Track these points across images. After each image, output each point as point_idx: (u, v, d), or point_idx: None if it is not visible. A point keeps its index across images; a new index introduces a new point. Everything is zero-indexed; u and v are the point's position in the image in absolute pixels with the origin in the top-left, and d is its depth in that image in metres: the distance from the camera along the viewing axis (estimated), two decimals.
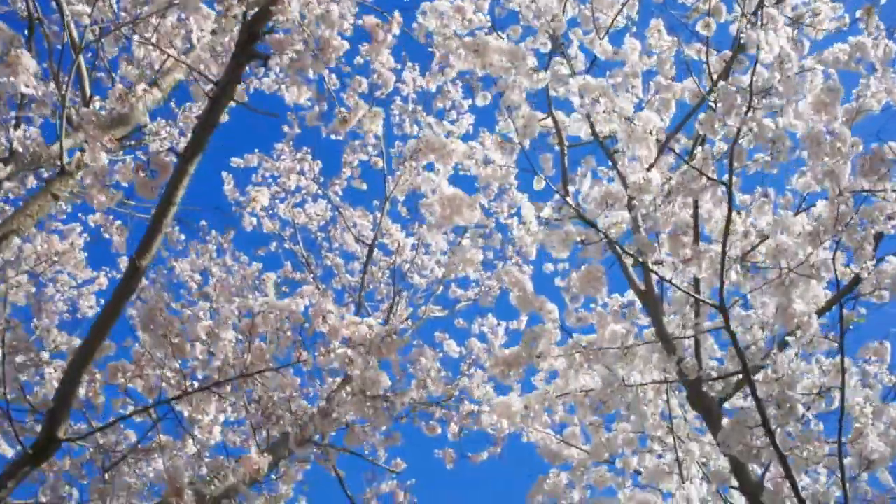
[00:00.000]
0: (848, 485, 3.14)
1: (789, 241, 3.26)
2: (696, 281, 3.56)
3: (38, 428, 3.04)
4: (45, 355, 3.75)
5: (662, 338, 3.85)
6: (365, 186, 7.18)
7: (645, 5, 4.85)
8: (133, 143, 4.34)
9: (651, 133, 3.16)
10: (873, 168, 3.15)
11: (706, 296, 3.35)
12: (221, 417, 4.20)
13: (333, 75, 7.00)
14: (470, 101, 7.27)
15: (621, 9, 4.24)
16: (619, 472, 5.23)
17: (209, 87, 3.00)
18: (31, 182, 5.04)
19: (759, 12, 3.24)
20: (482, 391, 7.18)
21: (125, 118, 3.91)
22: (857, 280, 3.51)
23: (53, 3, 4.21)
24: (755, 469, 4.02)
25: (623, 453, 5.13)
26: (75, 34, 3.78)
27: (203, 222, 7.19)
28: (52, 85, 4.65)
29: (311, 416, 4.90)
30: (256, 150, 6.85)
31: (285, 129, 7.17)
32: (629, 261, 4.66)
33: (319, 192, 7.56)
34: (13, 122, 4.25)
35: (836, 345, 3.23)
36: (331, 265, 8.00)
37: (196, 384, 3.00)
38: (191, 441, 4.10)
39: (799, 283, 3.26)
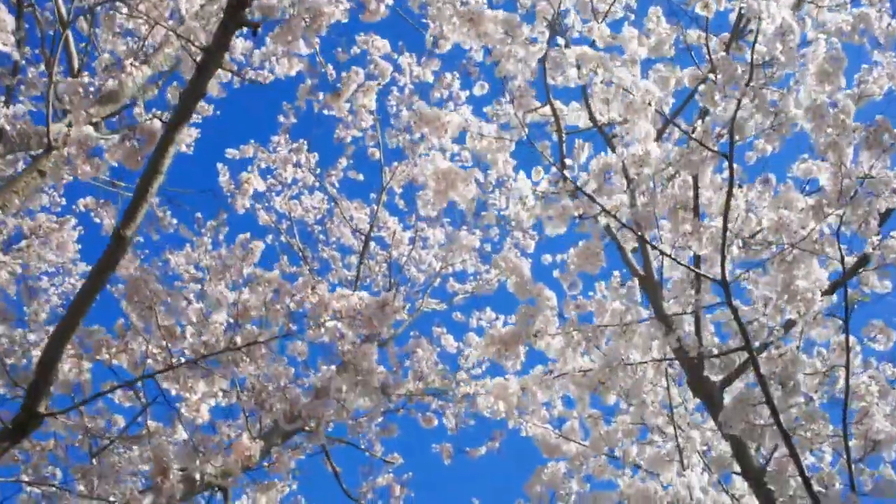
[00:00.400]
0: (853, 466, 3.05)
1: (792, 216, 3.19)
2: (697, 259, 3.47)
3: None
4: (32, 337, 3.66)
5: (663, 321, 3.77)
6: (361, 177, 7.11)
7: None
8: (120, 119, 4.26)
9: (650, 104, 3.08)
10: (878, 140, 3.07)
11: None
12: (212, 402, 4.12)
13: (330, 66, 6.96)
14: (467, 92, 7.22)
15: None
16: (618, 461, 5.16)
17: (197, 55, 2.92)
18: (21, 167, 4.98)
19: None
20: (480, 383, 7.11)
21: (114, 95, 3.84)
22: (864, 259, 3.44)
23: None
24: (757, 454, 3.94)
25: (622, 445, 5.05)
26: (63, 9, 3.71)
27: (198, 214, 7.12)
28: (43, 66, 4.59)
29: (305, 402, 4.82)
30: (252, 141, 6.79)
31: (281, 118, 7.10)
32: (628, 246, 4.59)
33: (316, 183, 7.49)
34: (2, 101, 4.19)
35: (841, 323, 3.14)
36: (327, 258, 7.93)
37: (183, 361, 2.91)
38: (181, 426, 4.02)
39: (802, 259, 3.18)
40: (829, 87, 3.15)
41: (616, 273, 3.47)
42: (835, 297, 3.28)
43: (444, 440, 7.02)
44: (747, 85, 3.09)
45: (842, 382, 3.17)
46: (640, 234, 3.06)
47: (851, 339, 3.20)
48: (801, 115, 3.21)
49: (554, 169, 3.10)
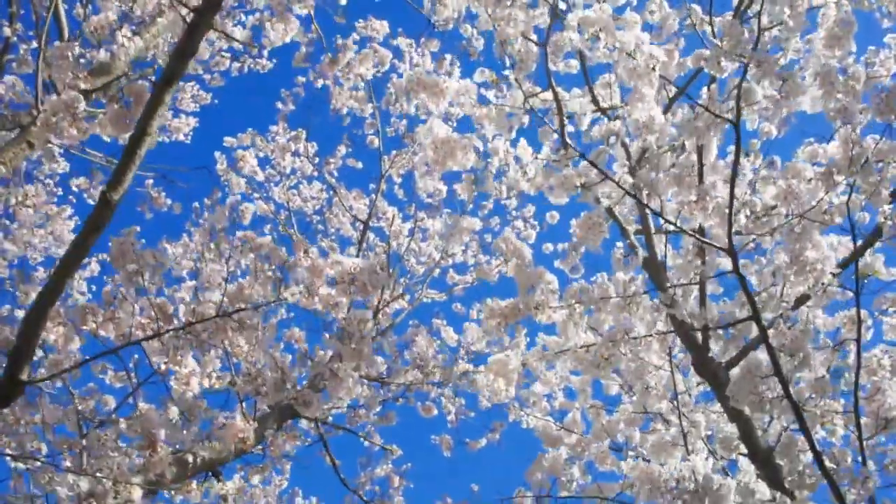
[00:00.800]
0: (864, 444, 2.95)
1: (801, 186, 3.10)
2: (701, 231, 3.37)
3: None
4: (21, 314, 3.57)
5: (667, 305, 3.67)
6: (360, 165, 7.03)
7: None
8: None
9: (654, 69, 2.99)
10: (890, 105, 2.98)
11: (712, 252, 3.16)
12: (206, 383, 4.02)
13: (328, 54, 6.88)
14: (468, 80, 7.13)
15: None
16: (620, 453, 5.06)
17: (188, 15, 2.84)
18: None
19: None
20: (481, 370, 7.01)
21: (106, 67, 3.76)
22: (878, 232, 3.34)
23: None
24: (765, 435, 3.83)
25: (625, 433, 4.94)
26: None
27: (195, 204, 7.03)
28: (35, 43, 4.51)
29: (301, 388, 4.72)
30: (249, 129, 6.70)
31: (279, 105, 7.02)
32: (631, 228, 4.49)
33: (314, 172, 7.41)
34: None
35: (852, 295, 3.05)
36: (326, 249, 7.83)
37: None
38: (175, 409, 3.93)
39: (811, 229, 3.08)
40: (839, 51, 3.06)
41: (619, 244, 3.37)
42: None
43: (443, 432, 6.93)
44: (754, 49, 3.01)
45: (853, 357, 3.07)
46: (644, 203, 2.97)
47: (863, 312, 3.10)
48: (809, 82, 3.12)
49: (556, 136, 3.01)
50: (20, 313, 3.62)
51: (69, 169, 5.60)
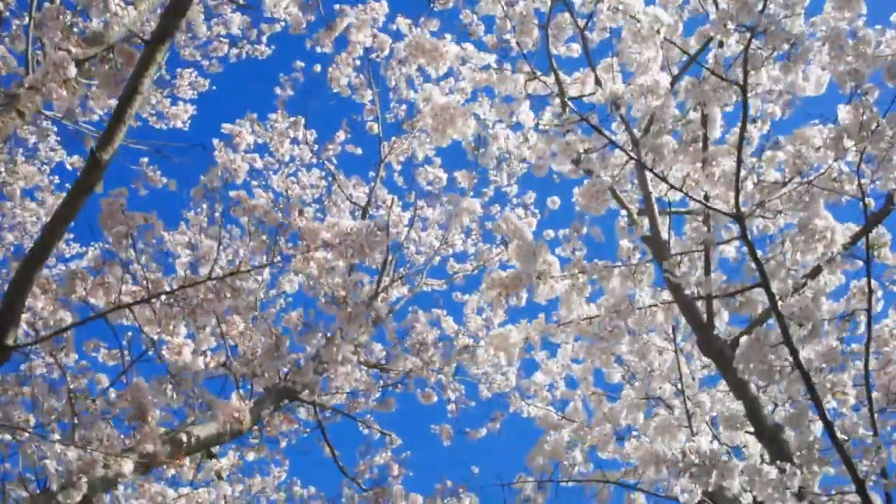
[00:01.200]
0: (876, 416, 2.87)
1: (810, 151, 3.02)
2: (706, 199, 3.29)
3: None
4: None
5: (671, 284, 3.59)
6: (360, 151, 6.95)
7: None
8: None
9: (659, 32, 2.92)
10: None
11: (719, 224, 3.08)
12: (200, 363, 3.95)
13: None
14: (469, 43, 7.03)
15: None
16: (622, 441, 4.98)
17: None
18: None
19: None
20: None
21: (99, 37, 3.67)
22: (890, 200, 3.26)
23: None
24: (772, 414, 3.75)
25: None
26: None
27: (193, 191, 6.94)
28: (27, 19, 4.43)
29: (299, 369, 4.65)
30: (248, 114, 6.61)
31: (277, 90, 6.95)
32: (634, 207, 4.41)
33: (314, 160, 7.32)
34: None
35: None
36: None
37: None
38: (169, 387, 3.85)
39: (820, 196, 3.00)
40: (849, 13, 2.99)
41: (623, 212, 3.28)
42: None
43: (443, 421, 6.84)
44: (761, 12, 2.93)
45: (863, 328, 2.99)
46: (649, 168, 2.89)
47: (873, 283, 3.01)
48: (817, 46, 3.05)
49: (558, 101, 2.93)
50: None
51: (62, 145, 5.49)
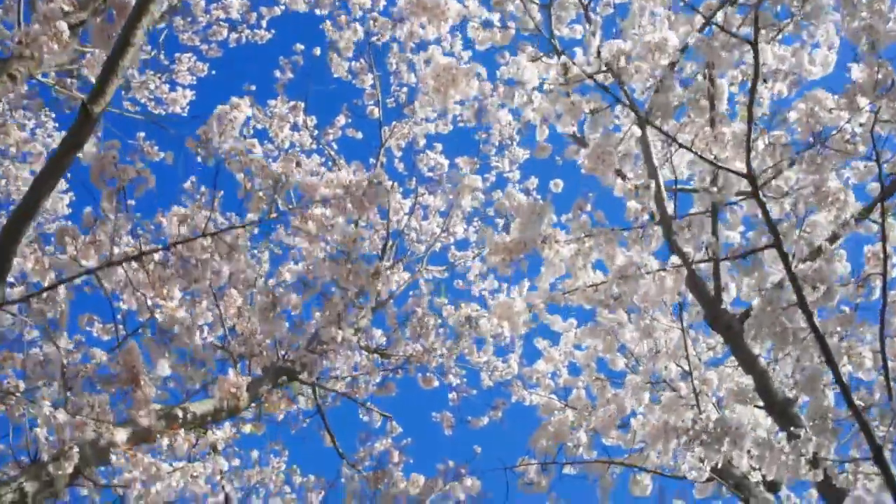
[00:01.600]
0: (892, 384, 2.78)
1: (822, 111, 2.93)
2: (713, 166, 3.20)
3: None
4: None
5: (679, 254, 3.51)
6: (360, 135, 6.86)
7: None
8: None
9: None
10: None
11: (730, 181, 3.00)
12: (197, 338, 3.86)
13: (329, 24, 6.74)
14: (470, 53, 6.98)
15: None
16: (625, 428, 4.88)
17: None
18: None
19: None
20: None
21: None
22: None
23: None
24: (780, 389, 3.66)
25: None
26: None
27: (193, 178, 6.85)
28: None
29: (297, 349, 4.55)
30: (246, 97, 6.52)
31: (277, 73, 6.87)
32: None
33: (314, 146, 7.24)
34: None
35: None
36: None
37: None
38: (165, 363, 3.76)
39: (834, 158, 2.92)
40: None
41: (630, 172, 3.19)
42: None
43: (444, 409, 6.75)
44: None
45: (878, 292, 2.90)
46: (658, 127, 2.80)
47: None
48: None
49: (563, 58, 2.85)
50: None
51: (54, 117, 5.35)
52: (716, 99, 2.99)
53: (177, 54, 7.08)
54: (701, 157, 2.78)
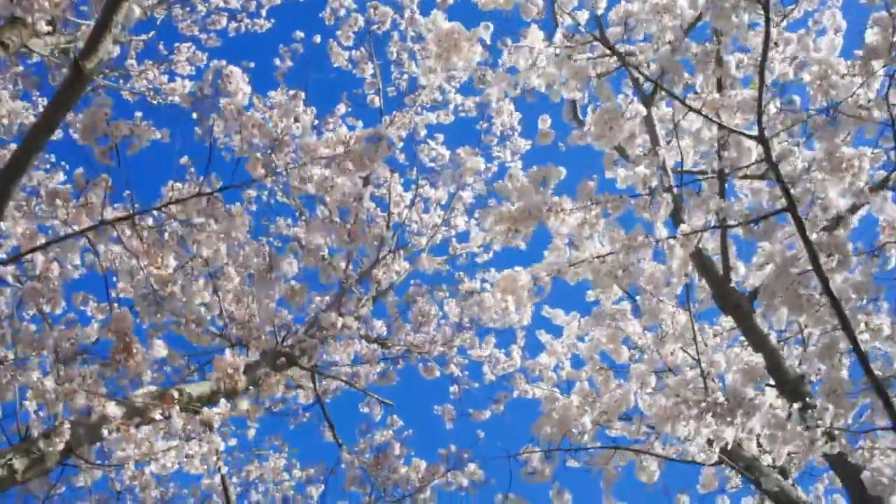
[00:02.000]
0: None
1: (836, 75, 2.85)
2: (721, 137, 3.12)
3: None
4: None
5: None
6: (360, 124, 6.79)
7: None
8: None
9: None
10: None
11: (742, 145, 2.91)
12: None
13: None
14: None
15: None
16: (630, 421, 4.79)
17: None
18: None
19: None
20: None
21: None
22: None
23: None
24: (791, 367, 3.57)
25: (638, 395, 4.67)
26: None
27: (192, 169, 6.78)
28: None
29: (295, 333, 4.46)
30: (244, 63, 6.44)
31: (277, 62, 6.81)
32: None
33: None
34: None
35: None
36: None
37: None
38: (160, 344, 3.67)
39: (847, 123, 2.84)
40: None
41: (639, 140, 3.09)
42: None
43: (446, 402, 6.66)
44: None
45: (894, 262, 2.82)
46: (665, 88, 2.72)
47: None
48: None
49: (569, 20, 2.77)
50: None
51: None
52: (724, 64, 2.91)
53: (176, 44, 7.02)
54: (711, 119, 2.70)
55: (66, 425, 2.90)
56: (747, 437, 3.92)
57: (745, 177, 4.24)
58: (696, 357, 4.14)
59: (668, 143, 4.44)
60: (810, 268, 2.52)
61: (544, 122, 5.25)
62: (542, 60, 2.84)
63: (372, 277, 5.61)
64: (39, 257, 3.17)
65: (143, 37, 6.63)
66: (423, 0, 6.64)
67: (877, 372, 2.53)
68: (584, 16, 4.37)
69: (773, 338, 3.62)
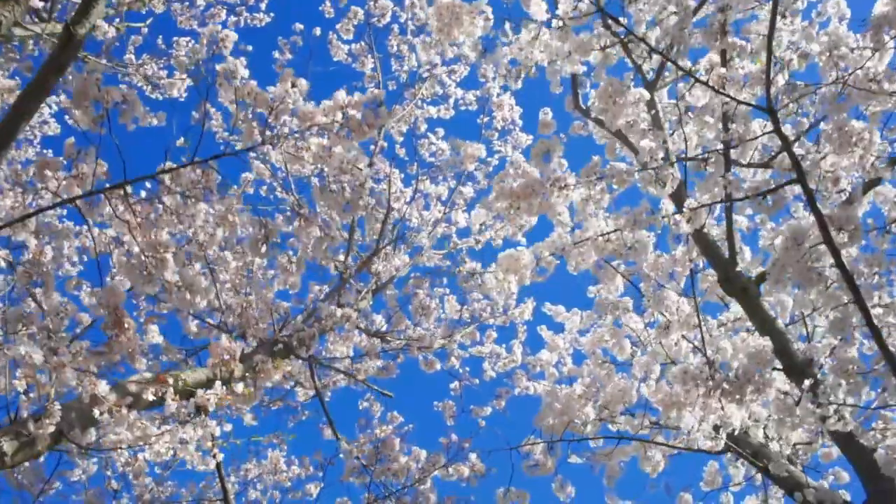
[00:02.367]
0: None
1: (845, 47, 2.79)
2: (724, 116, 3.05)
3: None
4: None
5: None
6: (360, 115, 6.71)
7: None
8: None
9: None
10: None
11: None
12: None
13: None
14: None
15: None
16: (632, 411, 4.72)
17: None
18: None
19: None
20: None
21: None
22: None
23: None
24: (799, 347, 3.50)
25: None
26: None
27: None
28: None
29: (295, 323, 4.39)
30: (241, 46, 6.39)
31: (276, 55, 6.76)
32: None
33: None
34: None
35: None
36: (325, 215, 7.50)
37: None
38: (154, 329, 3.60)
39: (858, 97, 2.78)
40: None
41: (644, 114, 3.01)
42: None
43: (446, 398, 6.58)
44: None
45: None
46: (671, 59, 2.66)
47: None
48: None
49: None
50: None
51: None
52: (729, 31, 2.85)
53: (174, 38, 6.98)
54: (717, 90, 2.63)
55: (57, 406, 2.83)
56: (754, 423, 3.85)
57: (751, 165, 4.19)
58: (702, 343, 4.07)
59: (672, 134, 4.39)
60: (820, 242, 2.45)
61: (545, 114, 5.20)
62: (545, 34, 2.78)
63: (371, 268, 5.54)
64: (32, 241, 3.12)
65: (141, 24, 6.53)
66: None
67: (892, 348, 2.46)
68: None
69: (780, 322, 3.55)
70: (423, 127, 7.02)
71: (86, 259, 4.47)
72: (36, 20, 3.98)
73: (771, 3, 2.72)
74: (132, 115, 2.31)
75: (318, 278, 5.97)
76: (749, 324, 3.75)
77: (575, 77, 4.99)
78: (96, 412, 2.68)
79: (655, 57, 4.54)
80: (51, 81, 2.31)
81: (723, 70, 2.88)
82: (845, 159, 2.72)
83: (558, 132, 4.83)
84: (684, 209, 2.70)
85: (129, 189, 2.46)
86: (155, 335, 3.55)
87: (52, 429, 2.83)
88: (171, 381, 3.44)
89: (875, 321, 2.41)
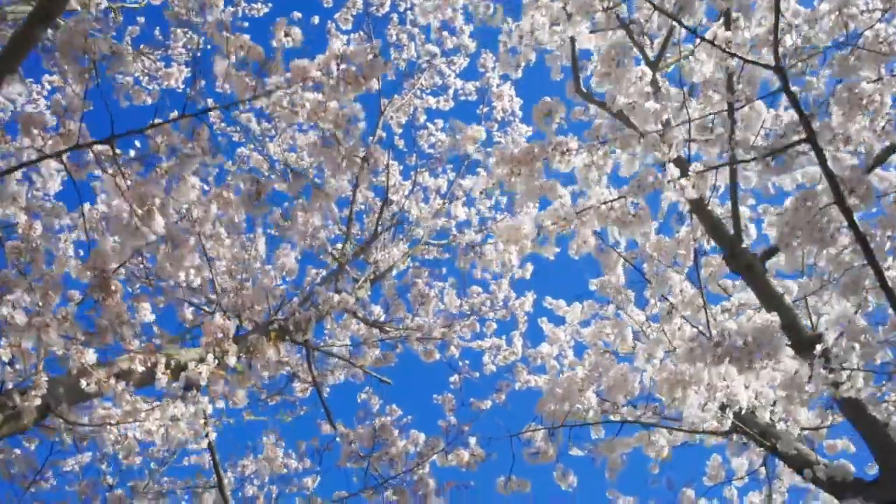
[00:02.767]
0: None
1: (854, 11, 2.73)
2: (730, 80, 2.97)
3: None
4: None
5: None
6: (359, 107, 6.65)
7: None
8: None
9: None
10: None
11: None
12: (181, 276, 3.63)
13: None
14: (471, 26, 6.81)
15: None
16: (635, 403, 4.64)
17: None
18: None
19: None
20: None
21: None
22: None
23: None
24: (807, 323, 3.42)
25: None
26: None
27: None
28: None
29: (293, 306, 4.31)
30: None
31: (273, 43, 6.68)
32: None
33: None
34: None
35: None
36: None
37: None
38: (146, 307, 3.52)
39: (868, 60, 2.71)
40: None
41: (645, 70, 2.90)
42: None
43: (446, 391, 6.48)
44: None
45: None
46: (676, 18, 2.59)
47: None
48: None
49: None
50: None
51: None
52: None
53: (172, 28, 6.92)
54: (725, 50, 2.56)
55: (44, 378, 2.74)
56: (761, 405, 3.75)
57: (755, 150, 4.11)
58: (706, 326, 3.99)
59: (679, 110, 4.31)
60: (831, 203, 2.37)
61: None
62: None
63: (369, 257, 5.46)
64: (22, 217, 3.04)
65: (135, 5, 6.44)
66: None
67: None
68: None
69: (788, 298, 3.47)
70: (423, 118, 6.97)
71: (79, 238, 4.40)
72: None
73: None
74: (119, 68, 2.23)
75: (316, 263, 5.89)
76: (752, 310, 3.67)
77: (575, 61, 4.93)
78: (83, 383, 2.60)
79: (657, 41, 4.49)
80: (36, 32, 2.24)
81: (728, 33, 2.81)
82: (856, 123, 2.64)
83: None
84: (689, 173, 2.62)
85: (117, 150, 2.38)
86: (147, 314, 3.47)
87: (38, 401, 2.74)
88: (163, 359, 3.36)
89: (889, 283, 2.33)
